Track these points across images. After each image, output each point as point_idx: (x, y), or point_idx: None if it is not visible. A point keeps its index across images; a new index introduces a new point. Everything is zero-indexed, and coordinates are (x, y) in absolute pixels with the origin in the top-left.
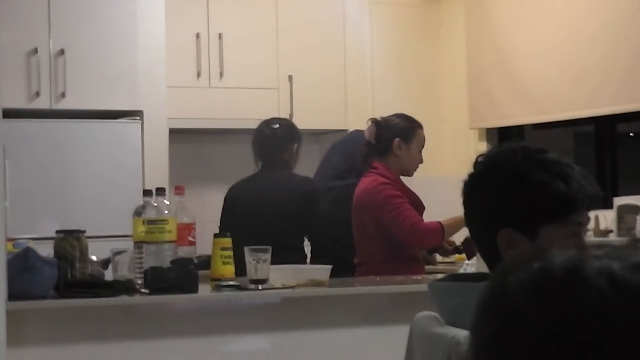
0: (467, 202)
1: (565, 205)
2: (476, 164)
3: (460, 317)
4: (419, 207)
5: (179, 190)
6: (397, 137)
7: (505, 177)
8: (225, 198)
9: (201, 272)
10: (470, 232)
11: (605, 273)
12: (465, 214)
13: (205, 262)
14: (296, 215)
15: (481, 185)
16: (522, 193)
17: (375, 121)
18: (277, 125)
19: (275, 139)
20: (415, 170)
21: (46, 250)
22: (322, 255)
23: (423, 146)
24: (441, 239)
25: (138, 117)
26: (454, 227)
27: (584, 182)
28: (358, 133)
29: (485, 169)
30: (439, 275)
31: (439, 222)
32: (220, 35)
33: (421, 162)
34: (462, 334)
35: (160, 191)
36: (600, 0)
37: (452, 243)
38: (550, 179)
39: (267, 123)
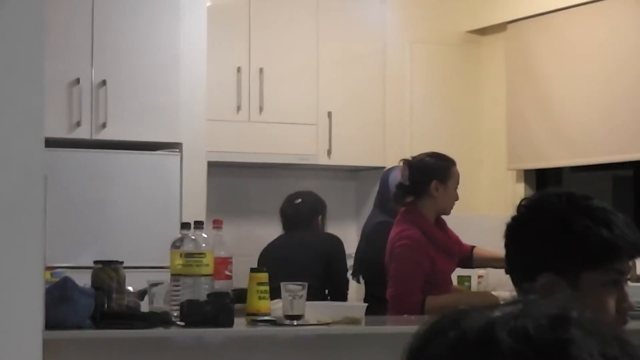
0: (509, 245)
1: (608, 252)
2: (520, 207)
3: None
4: (450, 254)
5: (217, 224)
6: (433, 179)
7: (548, 221)
8: (258, 261)
9: (236, 306)
10: (510, 275)
11: (520, 333)
12: (506, 256)
13: (240, 296)
14: (319, 272)
15: (524, 229)
16: (564, 238)
17: (407, 162)
18: (300, 201)
19: (299, 215)
20: (452, 208)
21: (83, 279)
22: None
23: (458, 183)
24: (420, 315)
25: (177, 150)
26: (440, 308)
27: (627, 230)
28: (390, 171)
29: (529, 213)
30: None
31: (423, 301)
32: (261, 70)
33: (457, 199)
34: None
35: (199, 224)
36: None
37: None
38: (593, 225)
39: (290, 200)
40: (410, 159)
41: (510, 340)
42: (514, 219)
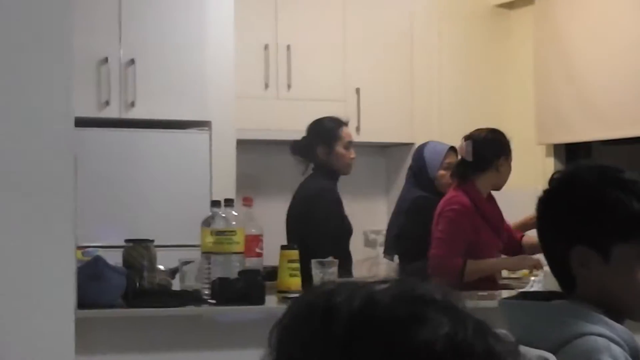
0: (541, 218)
1: (639, 224)
2: (552, 180)
3: (530, 335)
4: (496, 227)
5: (247, 201)
6: (502, 154)
7: (580, 194)
8: None
9: (266, 283)
10: (542, 248)
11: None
12: (538, 229)
13: (271, 273)
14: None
15: (556, 202)
16: (596, 211)
17: (471, 138)
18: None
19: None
20: (504, 184)
21: (114, 258)
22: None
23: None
24: (459, 280)
25: (206, 128)
26: (481, 271)
27: None
28: (424, 146)
29: (561, 186)
30: (506, 293)
31: (464, 263)
32: (288, 47)
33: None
34: (533, 352)
35: (229, 202)
36: None
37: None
38: (625, 197)
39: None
40: (470, 135)
41: (355, 307)
42: (546, 192)
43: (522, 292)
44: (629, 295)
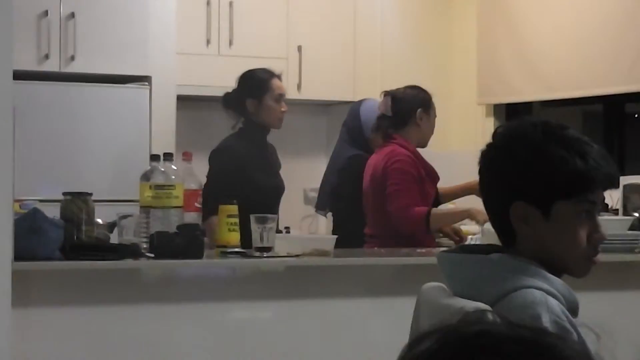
0: (483, 172)
1: (581, 182)
2: (495, 134)
3: (469, 289)
4: (434, 178)
5: (186, 156)
6: (418, 107)
7: (523, 150)
8: None
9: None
10: (484, 202)
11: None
12: (480, 183)
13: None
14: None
15: (498, 157)
16: (538, 167)
17: (390, 94)
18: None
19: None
20: (429, 139)
21: (52, 212)
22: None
23: (436, 115)
24: (425, 227)
25: (146, 83)
26: (444, 218)
27: (601, 161)
28: (361, 104)
29: (504, 141)
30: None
31: (427, 211)
32: (230, 3)
33: (432, 132)
34: (470, 304)
35: (168, 156)
36: None
37: (458, 232)
38: (568, 155)
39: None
40: (392, 91)
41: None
42: (488, 146)
43: (461, 245)
44: (567, 252)
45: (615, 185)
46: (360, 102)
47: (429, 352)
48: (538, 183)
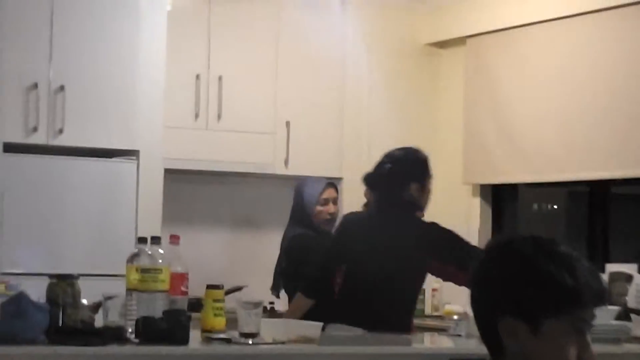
0: (473, 287)
1: (571, 300)
2: (486, 249)
3: None
4: None
5: (174, 239)
6: None
7: (513, 265)
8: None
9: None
10: (474, 316)
11: None
12: (471, 297)
13: (194, 305)
14: None
15: (487, 271)
16: (528, 284)
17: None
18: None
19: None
20: None
21: (37, 287)
22: None
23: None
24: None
25: (134, 157)
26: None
27: (590, 278)
28: (304, 183)
29: (494, 256)
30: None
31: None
32: (220, 78)
33: None
34: None
35: (156, 240)
36: (598, 66)
37: None
38: (557, 272)
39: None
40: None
41: None
42: (480, 262)
43: (452, 358)
44: None
45: (605, 302)
46: (303, 181)
47: None
48: (527, 300)
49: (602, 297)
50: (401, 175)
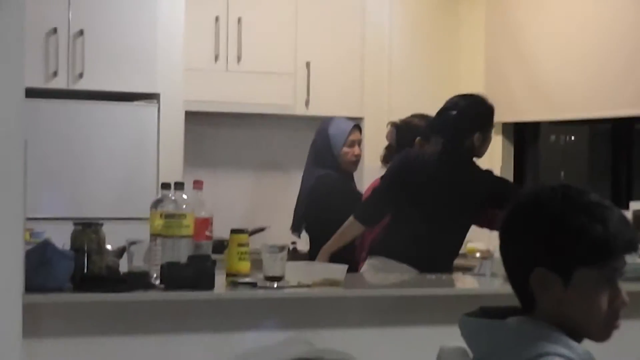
0: (503, 239)
1: (602, 250)
2: (515, 202)
3: (492, 355)
4: None
5: (197, 184)
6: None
7: (543, 217)
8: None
9: (214, 256)
10: (505, 268)
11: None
12: (500, 249)
13: (217, 246)
14: None
15: (518, 224)
16: (559, 235)
17: (395, 124)
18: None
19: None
20: None
21: (60, 232)
22: None
23: None
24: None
25: (155, 100)
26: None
27: (622, 227)
28: (329, 123)
29: (524, 208)
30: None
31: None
32: (239, 20)
33: None
34: None
35: (179, 185)
36: (622, 5)
37: None
38: (588, 222)
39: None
40: (397, 122)
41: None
42: (508, 215)
43: (482, 308)
44: (588, 318)
45: (636, 249)
46: (329, 121)
47: None
48: (559, 251)
49: (634, 245)
50: (466, 124)
